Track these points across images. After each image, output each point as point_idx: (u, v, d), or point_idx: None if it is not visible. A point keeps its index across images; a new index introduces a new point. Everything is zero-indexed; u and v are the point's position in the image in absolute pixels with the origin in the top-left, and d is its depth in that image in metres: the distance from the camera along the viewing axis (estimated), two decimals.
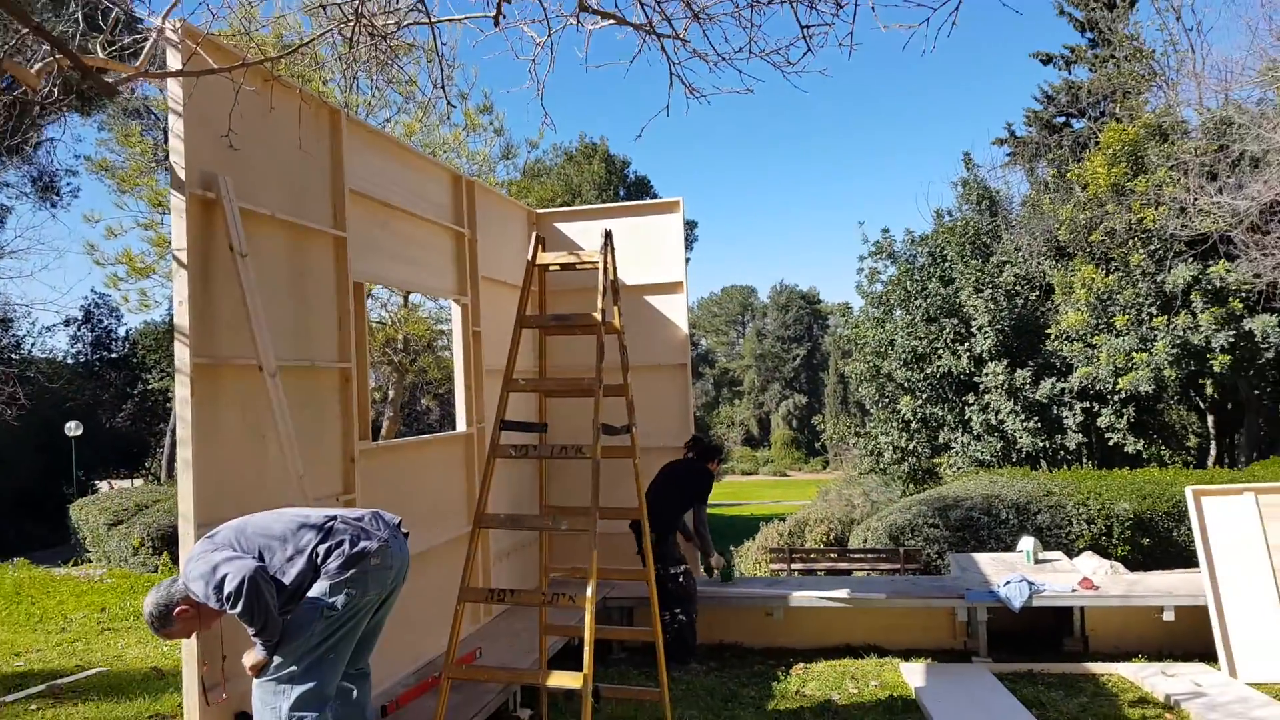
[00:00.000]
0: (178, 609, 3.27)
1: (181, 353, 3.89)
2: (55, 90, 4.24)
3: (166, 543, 14.14)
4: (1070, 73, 24.74)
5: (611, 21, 3.95)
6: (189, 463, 3.83)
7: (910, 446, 18.90)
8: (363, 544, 3.34)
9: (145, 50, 3.91)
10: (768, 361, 68.70)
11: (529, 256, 5.05)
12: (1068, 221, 16.51)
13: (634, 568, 5.70)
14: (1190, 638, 6.49)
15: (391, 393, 18.33)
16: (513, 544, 7.13)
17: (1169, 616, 6.56)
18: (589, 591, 4.29)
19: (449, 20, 3.88)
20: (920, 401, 18.39)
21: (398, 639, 5.09)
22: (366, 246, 5.46)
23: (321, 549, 3.30)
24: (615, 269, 5.07)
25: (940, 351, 17.96)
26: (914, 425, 18.67)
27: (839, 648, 7.08)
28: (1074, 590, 6.75)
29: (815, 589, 7.39)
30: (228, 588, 3.11)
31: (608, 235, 5.00)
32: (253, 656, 3.29)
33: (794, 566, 13.54)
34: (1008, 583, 6.76)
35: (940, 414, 18.24)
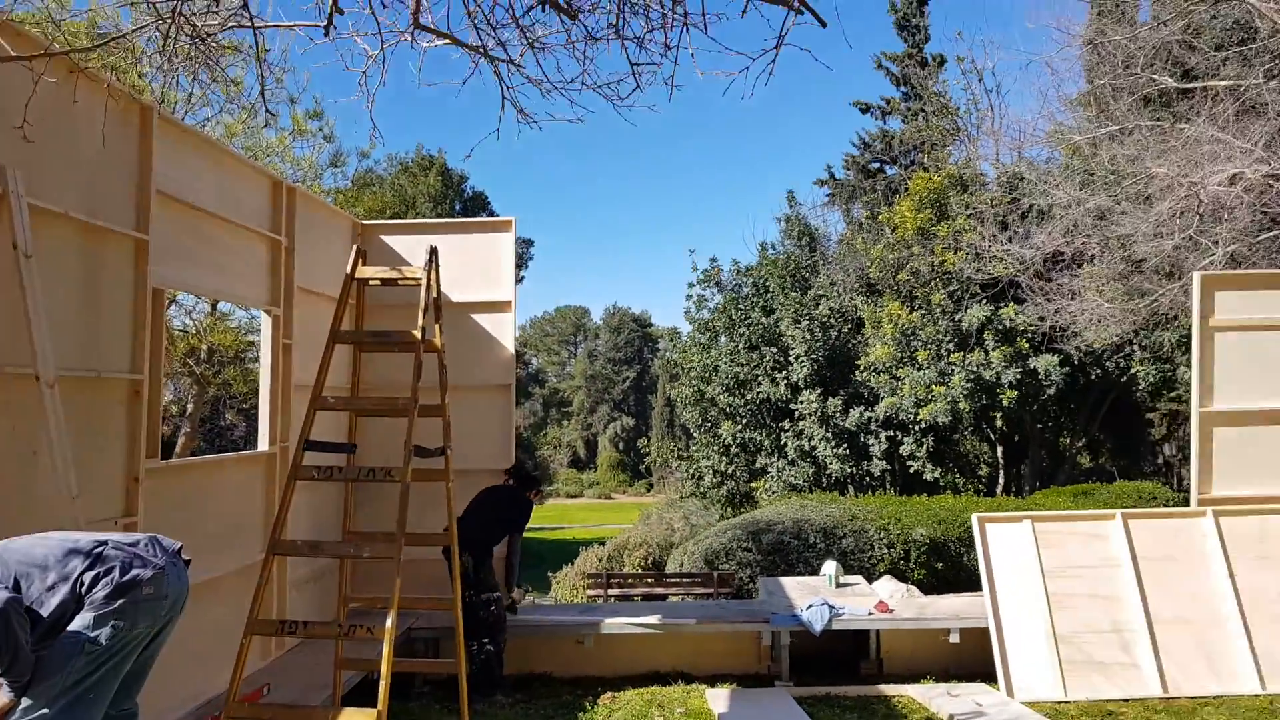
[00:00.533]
0: None
1: None
2: None
3: None
4: (885, 122, 26.51)
5: (446, 41, 3.89)
6: None
7: (730, 470, 19.56)
8: (135, 572, 3.07)
9: None
10: (598, 383, 69.22)
11: (348, 269, 4.87)
12: (878, 260, 17.68)
13: (441, 595, 5.56)
14: (974, 658, 6.95)
15: (190, 407, 17.13)
16: (311, 572, 6.77)
17: (955, 639, 7.04)
18: (389, 622, 4.14)
19: (275, 25, 3.71)
20: (740, 426, 19.08)
21: (176, 674, 4.70)
22: (172, 251, 5.09)
23: (88, 577, 3.01)
24: (439, 286, 4.97)
25: (760, 378, 18.72)
26: (734, 449, 19.33)
27: (649, 675, 7.11)
28: (870, 613, 7.15)
29: (628, 615, 7.45)
30: None
31: (433, 251, 4.90)
32: None
33: (611, 592, 13.61)
34: (810, 606, 7.07)
35: (759, 439, 18.98)
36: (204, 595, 5.10)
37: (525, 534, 7.18)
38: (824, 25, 3.26)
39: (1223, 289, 7.35)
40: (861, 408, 17.34)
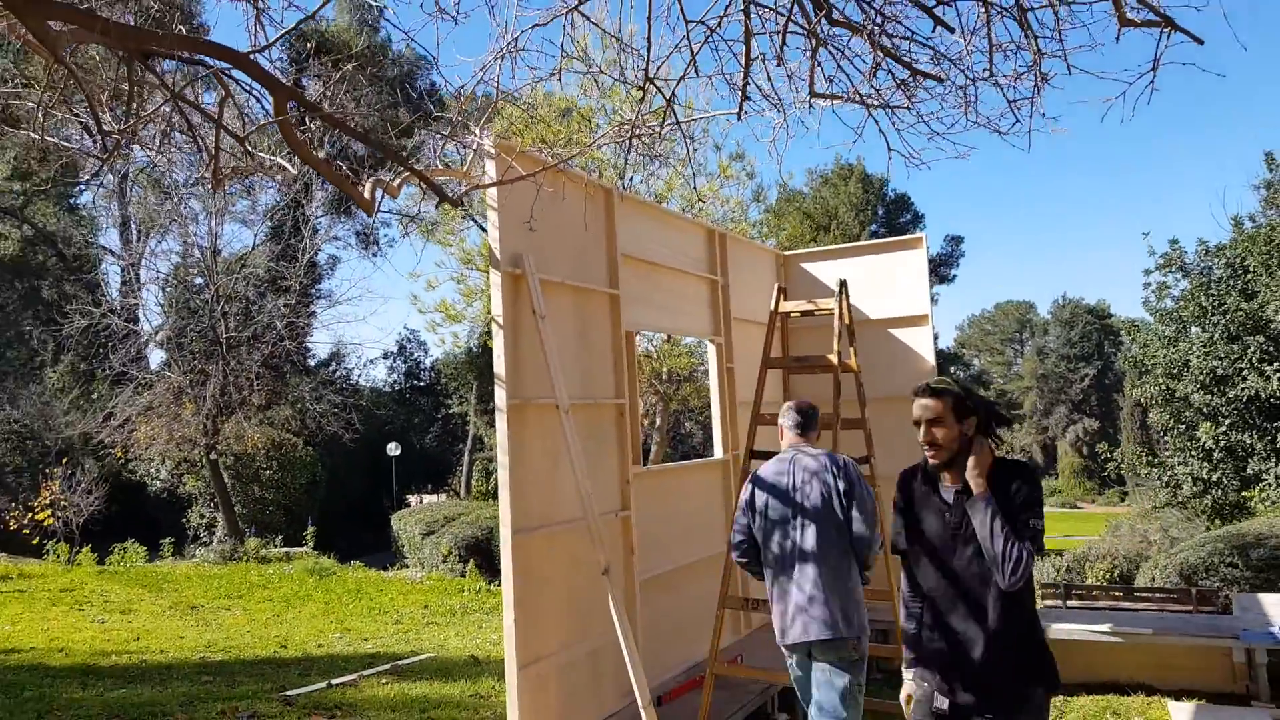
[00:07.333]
0: None
1: (500, 395, 4.89)
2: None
3: (471, 551, 16.00)
4: None
5: (840, 101, 4.53)
6: (507, 482, 4.81)
7: (1213, 478, 17.25)
8: None
9: (470, 159, 5.01)
10: (1051, 383, 63.88)
11: (771, 306, 5.69)
12: None
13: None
14: None
15: (658, 419, 19.60)
16: None
17: None
18: None
19: (700, 118, 4.65)
20: (1223, 428, 16.79)
21: (669, 642, 5.86)
22: (635, 300, 6.36)
23: None
24: (850, 314, 5.59)
25: (1245, 373, 16.35)
26: (1216, 454, 17.04)
27: (1106, 684, 6.96)
28: None
29: (1078, 622, 7.30)
30: None
31: (842, 284, 5.53)
32: None
33: (1070, 604, 12.84)
34: None
35: (1248, 442, 16.54)
36: (683, 578, 6.26)
37: None
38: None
39: None
40: None
